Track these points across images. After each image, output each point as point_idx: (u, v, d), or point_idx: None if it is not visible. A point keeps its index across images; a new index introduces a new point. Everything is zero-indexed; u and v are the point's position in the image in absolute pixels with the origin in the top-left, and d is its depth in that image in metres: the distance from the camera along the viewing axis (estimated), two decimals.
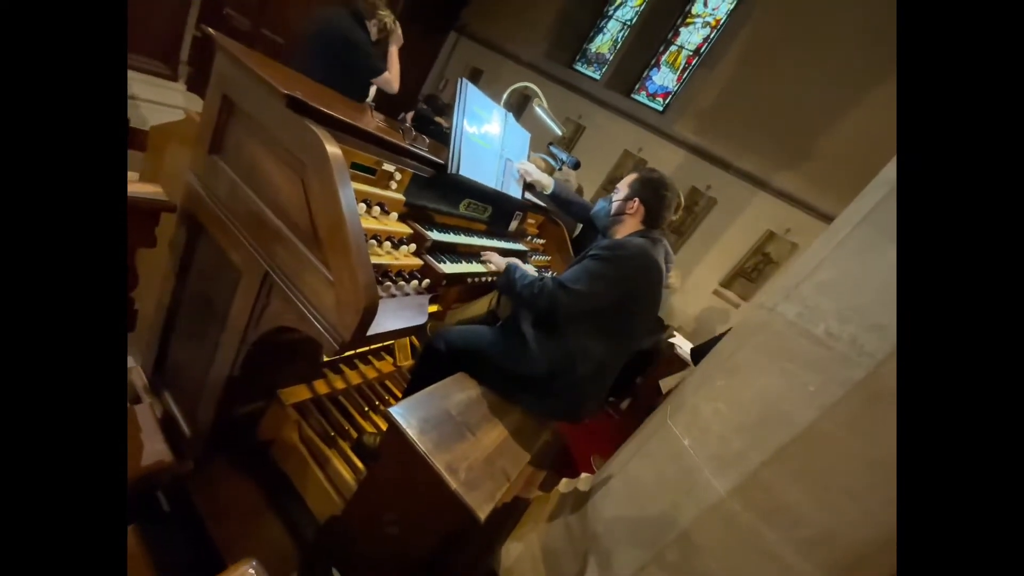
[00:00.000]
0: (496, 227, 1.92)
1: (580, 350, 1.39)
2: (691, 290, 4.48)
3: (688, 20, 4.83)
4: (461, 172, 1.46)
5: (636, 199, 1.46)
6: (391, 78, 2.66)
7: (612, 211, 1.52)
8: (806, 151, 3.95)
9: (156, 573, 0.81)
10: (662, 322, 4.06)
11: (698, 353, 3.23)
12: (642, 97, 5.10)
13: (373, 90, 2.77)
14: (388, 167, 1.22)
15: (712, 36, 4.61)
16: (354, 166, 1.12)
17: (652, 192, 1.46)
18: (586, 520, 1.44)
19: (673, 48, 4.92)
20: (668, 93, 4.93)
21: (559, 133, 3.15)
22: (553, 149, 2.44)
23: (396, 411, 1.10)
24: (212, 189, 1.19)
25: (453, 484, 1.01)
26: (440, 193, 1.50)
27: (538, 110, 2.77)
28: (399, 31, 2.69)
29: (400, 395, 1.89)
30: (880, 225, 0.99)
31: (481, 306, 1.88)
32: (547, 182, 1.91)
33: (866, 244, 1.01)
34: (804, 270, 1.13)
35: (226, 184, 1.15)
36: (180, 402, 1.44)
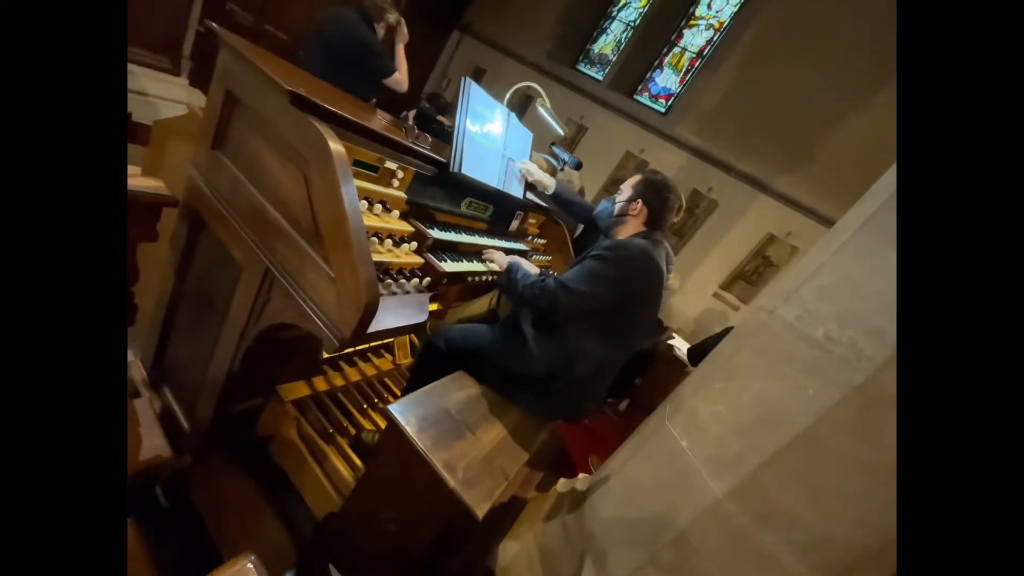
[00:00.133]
0: (497, 226, 1.92)
1: (580, 350, 1.39)
2: (691, 292, 4.48)
3: (692, 22, 4.83)
4: (463, 171, 1.46)
5: (639, 201, 1.46)
6: (401, 78, 2.70)
7: (615, 212, 1.52)
8: (808, 154, 3.96)
9: (153, 567, 0.81)
10: (661, 324, 4.07)
11: (695, 352, 3.23)
12: (644, 98, 5.10)
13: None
14: (390, 165, 1.22)
15: (715, 38, 4.61)
16: (356, 163, 1.12)
17: (655, 194, 1.46)
18: (583, 520, 1.44)
19: (676, 50, 4.92)
20: (671, 95, 4.93)
21: (561, 133, 3.15)
22: (555, 149, 2.44)
23: (395, 408, 1.11)
24: (214, 184, 1.19)
25: (451, 482, 1.01)
26: (442, 192, 1.50)
27: (541, 110, 2.77)
28: (404, 29, 2.71)
29: (399, 393, 1.89)
30: (880, 230, 1.00)
31: (481, 305, 1.88)
32: (549, 182, 1.91)
33: (866, 248, 1.01)
34: (804, 273, 1.13)
35: (228, 179, 1.15)
36: (179, 397, 1.44)
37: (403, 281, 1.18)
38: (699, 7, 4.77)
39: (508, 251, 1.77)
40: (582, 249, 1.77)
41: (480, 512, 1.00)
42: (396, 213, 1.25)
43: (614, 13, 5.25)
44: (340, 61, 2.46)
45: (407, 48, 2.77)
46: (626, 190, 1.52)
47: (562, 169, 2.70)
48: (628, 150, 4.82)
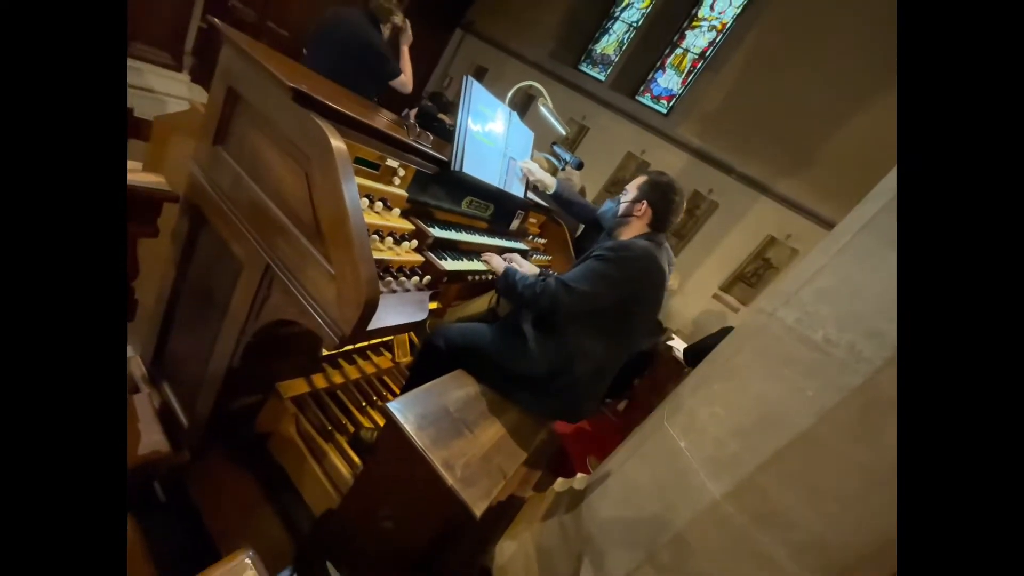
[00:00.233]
0: (498, 225, 1.92)
1: (579, 350, 1.39)
2: (691, 293, 4.49)
3: (694, 23, 4.83)
4: (464, 169, 1.46)
5: (644, 202, 1.45)
6: (406, 80, 2.72)
7: (619, 212, 1.51)
8: (809, 157, 3.96)
9: (151, 562, 0.81)
10: (660, 324, 4.07)
11: (691, 352, 3.23)
12: (646, 99, 5.10)
13: None
14: (392, 163, 1.22)
15: (718, 40, 4.61)
16: (358, 161, 1.12)
17: (660, 195, 1.45)
18: (581, 520, 1.44)
19: (679, 51, 4.92)
20: (672, 96, 4.93)
21: (563, 133, 3.15)
22: (557, 149, 2.44)
23: (394, 406, 1.11)
24: (215, 180, 1.19)
25: (450, 480, 1.01)
26: (443, 190, 1.50)
27: (542, 109, 2.77)
28: (409, 31, 2.73)
29: (398, 391, 1.89)
30: (881, 233, 1.00)
31: (481, 304, 1.88)
32: (550, 182, 1.91)
33: (866, 251, 1.01)
34: (804, 276, 1.13)
35: (229, 176, 1.15)
36: (178, 393, 1.44)
37: (403, 279, 1.18)
38: (702, 8, 4.77)
39: (508, 250, 1.77)
40: (582, 250, 1.77)
41: (478, 510, 1.00)
42: (397, 211, 1.25)
43: (617, 13, 5.25)
44: (346, 61, 2.47)
45: (410, 49, 2.78)
46: (631, 191, 1.51)
47: (563, 169, 2.70)
48: (629, 151, 4.82)
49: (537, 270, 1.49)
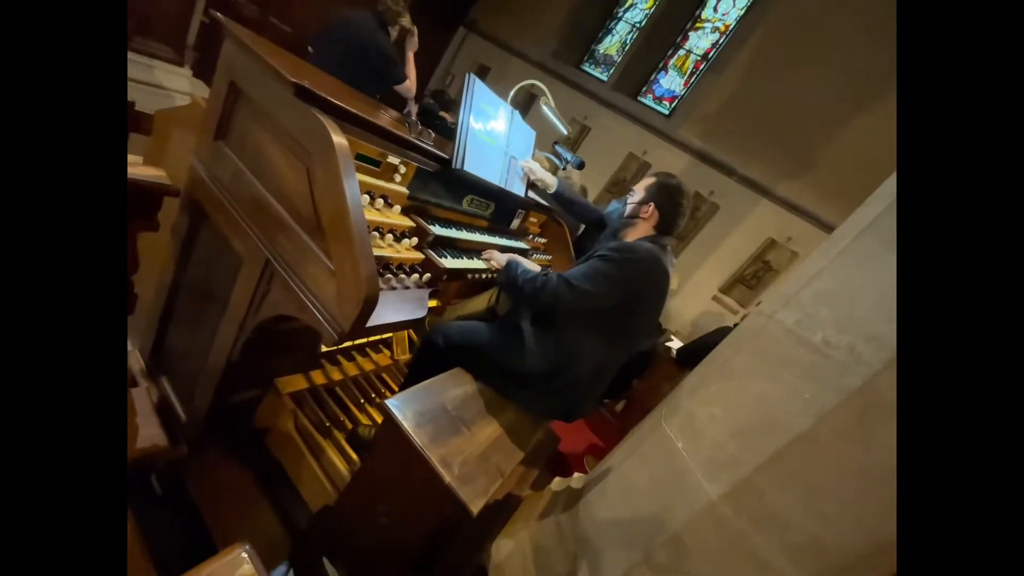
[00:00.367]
0: (498, 224, 1.92)
1: (579, 350, 1.39)
2: (690, 295, 4.49)
3: (697, 25, 4.83)
4: (466, 167, 1.46)
5: (651, 204, 1.44)
6: (411, 85, 2.80)
7: (626, 213, 1.50)
8: (811, 160, 3.96)
9: (147, 555, 0.81)
10: (660, 325, 4.07)
11: (684, 353, 3.23)
12: (649, 100, 5.10)
13: None
14: (393, 160, 1.22)
15: (721, 42, 4.61)
16: (359, 157, 1.12)
17: (668, 198, 1.43)
18: (577, 519, 1.44)
19: (681, 52, 4.92)
20: (675, 97, 4.93)
21: (565, 132, 3.15)
22: (558, 148, 2.44)
23: (392, 403, 1.11)
24: (216, 175, 1.19)
25: (447, 477, 1.01)
26: (444, 188, 1.50)
27: (545, 108, 2.77)
28: (416, 38, 2.81)
29: (397, 388, 1.89)
30: (881, 235, 1.00)
31: (480, 303, 1.88)
32: (551, 181, 1.91)
33: (866, 254, 1.01)
34: (804, 278, 1.14)
35: (230, 170, 1.15)
36: (176, 387, 1.44)
37: (403, 276, 1.18)
38: (705, 10, 4.77)
39: (509, 249, 1.77)
40: (583, 250, 1.77)
41: (475, 508, 1.00)
42: (397, 208, 1.25)
43: (620, 14, 5.25)
44: (352, 62, 2.52)
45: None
46: (639, 192, 1.49)
47: (564, 168, 2.70)
48: (631, 151, 4.82)
49: (538, 268, 1.49)
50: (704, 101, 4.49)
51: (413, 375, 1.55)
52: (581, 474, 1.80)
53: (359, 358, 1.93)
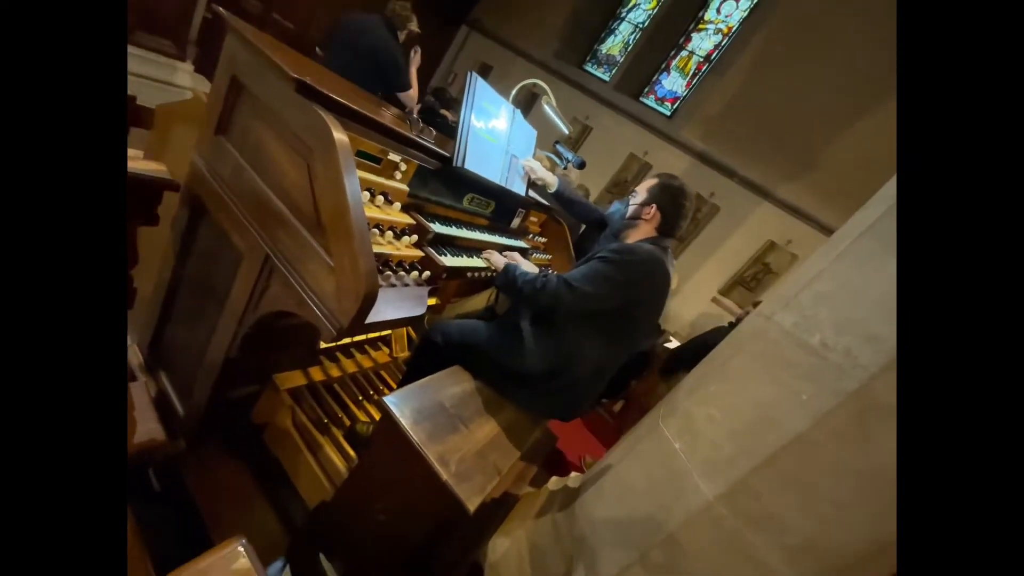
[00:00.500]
0: (498, 223, 1.92)
1: (578, 350, 1.39)
2: (689, 296, 4.49)
3: (700, 26, 4.83)
4: (466, 166, 1.46)
5: (653, 205, 1.43)
6: (414, 95, 2.91)
7: (627, 214, 1.49)
8: (812, 163, 3.96)
9: (145, 549, 0.81)
10: (659, 326, 4.07)
11: (676, 358, 3.23)
12: (650, 101, 5.10)
13: None
14: (394, 157, 1.22)
15: (723, 43, 4.61)
16: (360, 154, 1.12)
17: (670, 200, 1.43)
18: (574, 519, 1.44)
19: (684, 53, 4.92)
20: (677, 98, 4.94)
21: (566, 132, 3.15)
22: (559, 148, 2.44)
23: (390, 400, 1.11)
24: (216, 170, 1.19)
25: (444, 475, 1.01)
26: (444, 186, 1.50)
27: (546, 108, 2.76)
28: (419, 55, 2.98)
29: (395, 386, 1.89)
30: (880, 238, 1.00)
31: (479, 301, 1.88)
32: (552, 180, 1.91)
33: (866, 256, 1.02)
34: (803, 280, 1.14)
35: (231, 166, 1.15)
36: (175, 382, 1.44)
37: (402, 274, 1.18)
38: (708, 11, 4.77)
39: (509, 248, 1.77)
40: (583, 250, 1.76)
41: (472, 506, 1.00)
42: (398, 205, 1.25)
43: (623, 14, 5.24)
44: (363, 68, 2.60)
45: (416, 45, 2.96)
46: (641, 193, 1.48)
47: (565, 168, 2.70)
48: (632, 152, 4.82)
49: (536, 269, 1.49)
50: (706, 103, 4.49)
51: (411, 373, 1.55)
52: (578, 473, 1.80)
53: (358, 355, 1.93)
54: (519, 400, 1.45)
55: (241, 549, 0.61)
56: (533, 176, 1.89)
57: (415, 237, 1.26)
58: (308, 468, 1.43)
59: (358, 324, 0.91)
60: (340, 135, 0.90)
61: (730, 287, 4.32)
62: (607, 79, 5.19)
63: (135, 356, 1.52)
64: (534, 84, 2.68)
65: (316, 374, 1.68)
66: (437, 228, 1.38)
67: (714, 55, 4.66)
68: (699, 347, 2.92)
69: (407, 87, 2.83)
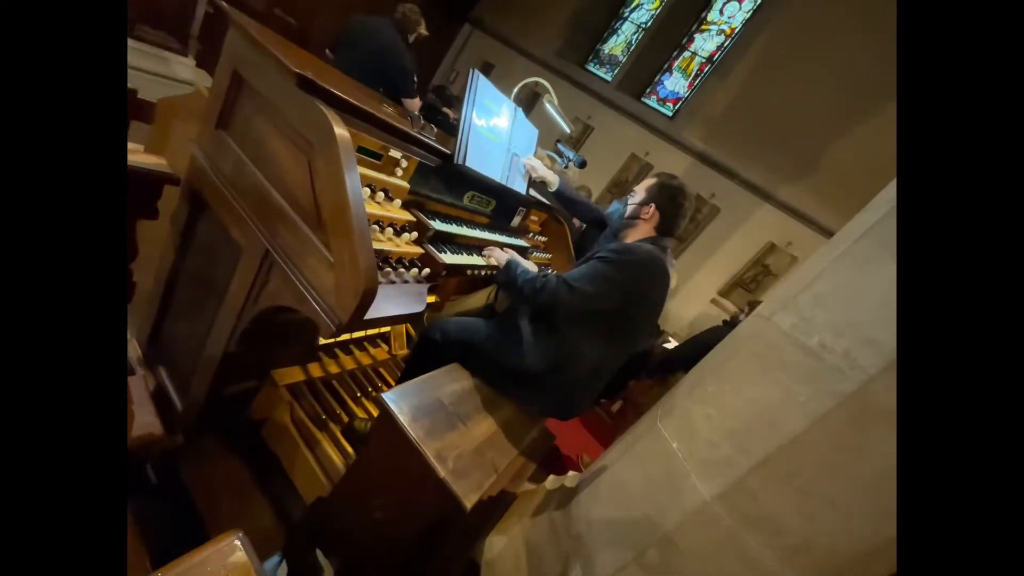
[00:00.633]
0: (499, 221, 1.92)
1: (577, 350, 1.39)
2: (689, 297, 4.50)
3: (703, 27, 4.82)
4: (467, 163, 1.46)
5: (652, 205, 1.43)
6: (417, 103, 2.99)
7: (626, 214, 1.49)
8: (813, 165, 3.96)
9: (142, 543, 0.81)
10: (658, 327, 4.08)
11: (672, 359, 3.23)
12: (652, 101, 5.10)
13: None
14: (395, 153, 1.22)
15: (726, 44, 4.60)
16: (361, 150, 1.12)
17: (669, 199, 1.42)
18: (571, 518, 1.45)
19: (686, 54, 4.92)
20: (678, 99, 4.93)
21: (568, 131, 3.15)
22: (560, 147, 2.44)
23: (389, 397, 1.11)
24: (217, 165, 1.19)
25: (441, 472, 1.01)
26: (445, 183, 1.50)
27: (548, 106, 2.76)
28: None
29: (393, 383, 1.89)
30: (880, 241, 1.00)
31: (479, 299, 1.88)
32: (552, 179, 1.91)
33: (865, 259, 1.02)
34: (802, 281, 1.14)
35: (232, 160, 1.15)
36: (173, 376, 1.44)
37: (402, 270, 1.18)
38: (711, 12, 4.77)
39: (508, 247, 1.77)
40: (583, 249, 1.76)
41: (469, 503, 1.00)
42: (398, 202, 1.25)
43: (626, 14, 5.24)
44: (371, 70, 2.63)
45: (419, 43, 3.03)
46: (640, 192, 1.48)
47: (566, 167, 2.70)
48: (633, 152, 4.82)
49: (536, 268, 1.49)
50: (708, 103, 4.49)
51: (410, 370, 1.55)
52: (576, 473, 1.80)
53: (357, 352, 1.93)
54: (518, 398, 1.45)
55: (238, 543, 0.61)
56: (534, 175, 1.88)
57: (415, 234, 1.26)
58: (306, 464, 1.43)
59: (357, 320, 0.91)
60: (341, 130, 0.90)
61: (730, 288, 4.33)
62: (609, 79, 5.19)
63: (134, 350, 1.52)
64: (536, 83, 2.68)
65: (315, 370, 1.68)
66: (437, 225, 1.38)
67: (716, 56, 4.66)
68: (696, 348, 2.93)
69: (414, 94, 2.87)
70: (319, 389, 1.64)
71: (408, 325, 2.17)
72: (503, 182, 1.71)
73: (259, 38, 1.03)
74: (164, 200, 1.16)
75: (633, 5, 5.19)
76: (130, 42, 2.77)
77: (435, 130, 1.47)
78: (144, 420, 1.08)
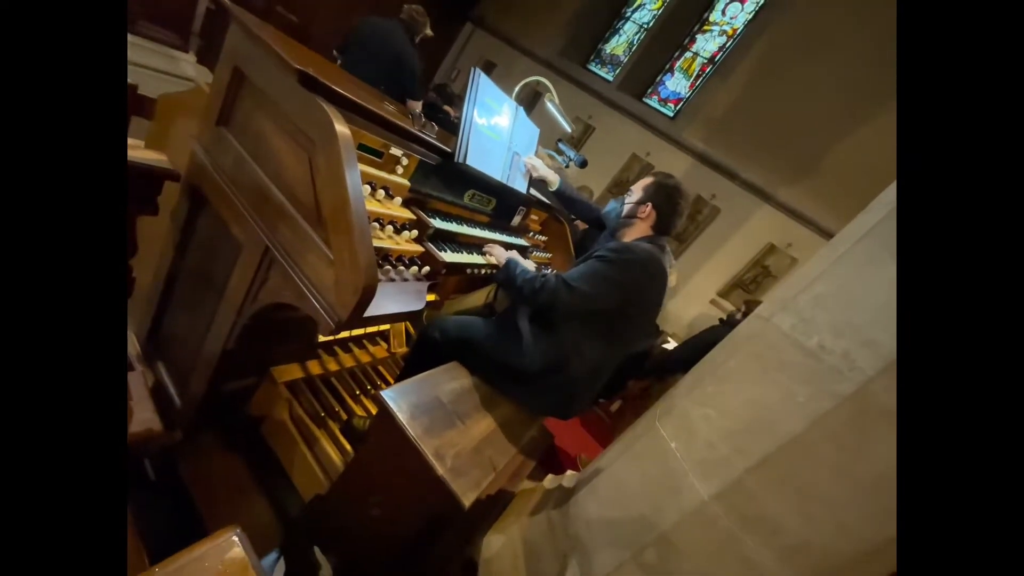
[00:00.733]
0: (499, 220, 1.92)
1: (576, 350, 1.39)
2: (688, 297, 4.50)
3: (705, 27, 4.82)
4: (468, 162, 1.46)
5: (649, 204, 1.44)
6: (419, 105, 3.05)
7: (623, 213, 1.50)
8: (814, 167, 3.96)
9: (139, 539, 0.81)
10: (657, 327, 4.08)
11: (670, 360, 3.23)
12: (653, 101, 5.10)
13: None
14: (395, 151, 1.21)
15: (728, 45, 4.60)
16: (361, 147, 1.12)
17: (666, 198, 1.43)
18: (568, 517, 1.45)
19: (688, 55, 4.91)
20: (680, 99, 4.93)
21: (569, 130, 3.15)
22: (562, 146, 2.44)
23: (388, 395, 1.11)
24: (217, 161, 1.18)
25: (440, 470, 1.01)
26: (445, 182, 1.50)
27: (549, 105, 2.76)
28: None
29: (392, 381, 1.89)
30: (880, 242, 1.00)
31: (478, 298, 1.88)
32: (553, 178, 1.91)
33: (865, 260, 1.02)
34: (802, 282, 1.14)
35: (232, 157, 1.15)
36: (172, 373, 1.44)
37: (402, 268, 1.18)
38: (713, 13, 4.76)
39: (508, 246, 1.77)
40: (584, 249, 1.76)
41: (467, 501, 1.00)
42: (398, 200, 1.25)
43: (628, 14, 5.23)
44: (387, 75, 2.68)
45: (421, 41, 3.06)
46: (636, 192, 1.49)
47: (567, 166, 2.70)
48: (634, 152, 4.82)
49: (536, 268, 1.49)
50: (709, 104, 4.49)
51: (409, 368, 1.56)
52: (574, 472, 1.80)
53: (356, 350, 1.93)
54: (517, 397, 1.46)
55: (236, 539, 0.61)
56: (535, 174, 1.88)
57: (415, 232, 1.26)
58: (304, 461, 1.43)
59: (357, 317, 0.91)
60: (342, 128, 0.89)
61: (729, 289, 4.33)
62: (610, 79, 5.19)
63: (133, 346, 1.52)
64: (537, 82, 2.68)
65: (314, 368, 1.68)
66: (437, 224, 1.38)
67: (718, 57, 4.65)
68: (693, 348, 2.93)
69: (420, 97, 2.95)
70: (318, 386, 1.64)
71: (407, 323, 2.17)
72: (504, 181, 1.71)
73: (260, 34, 1.03)
74: (164, 196, 1.16)
75: (635, 5, 5.18)
76: (131, 38, 2.76)
77: (436, 128, 1.47)
78: (143, 416, 1.08)
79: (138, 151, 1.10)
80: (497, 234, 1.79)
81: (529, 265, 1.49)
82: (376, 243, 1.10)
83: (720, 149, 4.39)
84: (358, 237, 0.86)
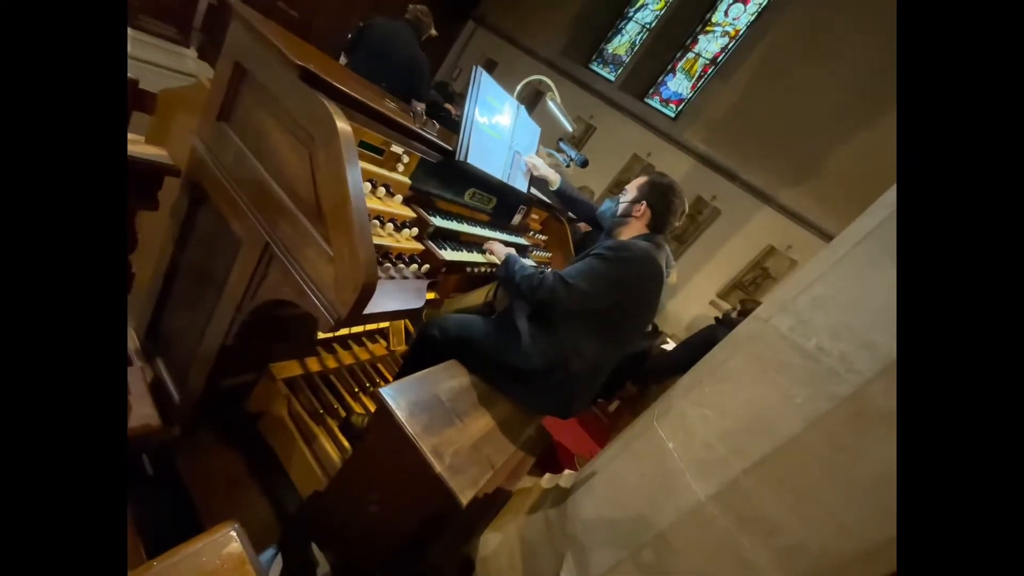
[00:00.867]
0: (499, 219, 1.92)
1: (574, 348, 1.39)
2: (687, 298, 4.50)
3: (707, 28, 4.81)
4: (469, 160, 1.46)
5: (643, 203, 1.44)
6: (422, 104, 2.99)
7: (618, 212, 1.51)
8: (814, 169, 3.96)
9: (137, 534, 0.81)
10: (656, 327, 4.08)
11: (668, 360, 3.23)
12: (655, 102, 5.09)
13: None
14: (396, 149, 1.21)
15: (730, 46, 4.60)
16: (362, 145, 1.12)
17: (660, 197, 1.44)
18: (566, 516, 1.45)
19: (690, 55, 4.91)
20: (681, 100, 4.93)
21: (570, 130, 3.15)
22: (563, 146, 2.44)
23: (386, 392, 1.11)
24: (218, 156, 1.18)
25: (438, 467, 1.01)
26: (446, 180, 1.50)
27: (551, 104, 2.76)
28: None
29: (391, 379, 1.89)
30: (879, 245, 1.00)
31: (478, 297, 1.88)
32: (554, 178, 1.91)
33: (864, 263, 1.02)
34: (801, 284, 1.14)
35: (232, 152, 1.15)
36: (171, 368, 1.44)
37: (402, 266, 1.18)
38: (716, 13, 4.76)
39: (508, 245, 1.77)
40: (584, 248, 1.76)
41: (464, 499, 1.00)
42: (399, 198, 1.24)
43: (630, 14, 5.23)
44: (399, 79, 2.66)
45: (422, 40, 3.04)
46: (631, 191, 1.50)
47: (568, 166, 2.70)
48: (635, 152, 4.82)
49: (535, 266, 1.49)
50: (710, 105, 4.48)
51: (408, 365, 1.56)
52: (571, 471, 1.80)
53: (355, 347, 1.93)
54: (516, 396, 1.46)
55: (233, 534, 0.61)
56: (536, 173, 1.88)
57: (415, 230, 1.26)
58: (302, 458, 1.43)
59: (356, 314, 0.91)
60: (343, 124, 0.89)
61: (729, 290, 4.33)
62: (612, 79, 5.18)
63: (132, 341, 1.52)
64: (539, 81, 2.67)
65: (313, 365, 1.68)
66: (438, 222, 1.38)
67: (720, 58, 4.65)
68: (691, 348, 2.93)
69: (424, 99, 2.92)
70: (317, 383, 1.64)
71: (407, 321, 2.17)
72: (504, 180, 1.71)
73: (262, 30, 1.02)
74: (164, 191, 1.16)
75: (638, 5, 5.18)
76: (132, 32, 2.76)
77: (437, 126, 1.47)
78: (141, 412, 1.08)
79: (138, 146, 1.10)
80: (497, 233, 1.79)
81: (528, 263, 1.49)
82: (376, 240, 1.10)
83: (721, 150, 4.39)
84: (358, 234, 0.86)
